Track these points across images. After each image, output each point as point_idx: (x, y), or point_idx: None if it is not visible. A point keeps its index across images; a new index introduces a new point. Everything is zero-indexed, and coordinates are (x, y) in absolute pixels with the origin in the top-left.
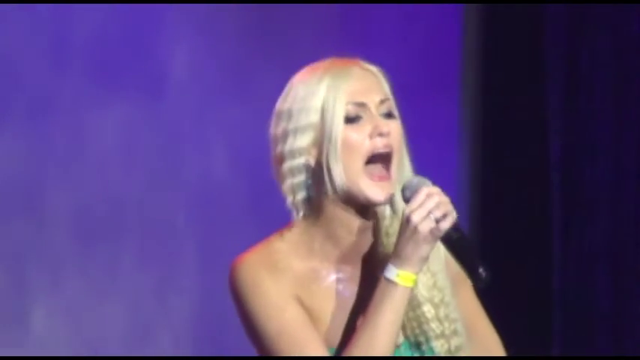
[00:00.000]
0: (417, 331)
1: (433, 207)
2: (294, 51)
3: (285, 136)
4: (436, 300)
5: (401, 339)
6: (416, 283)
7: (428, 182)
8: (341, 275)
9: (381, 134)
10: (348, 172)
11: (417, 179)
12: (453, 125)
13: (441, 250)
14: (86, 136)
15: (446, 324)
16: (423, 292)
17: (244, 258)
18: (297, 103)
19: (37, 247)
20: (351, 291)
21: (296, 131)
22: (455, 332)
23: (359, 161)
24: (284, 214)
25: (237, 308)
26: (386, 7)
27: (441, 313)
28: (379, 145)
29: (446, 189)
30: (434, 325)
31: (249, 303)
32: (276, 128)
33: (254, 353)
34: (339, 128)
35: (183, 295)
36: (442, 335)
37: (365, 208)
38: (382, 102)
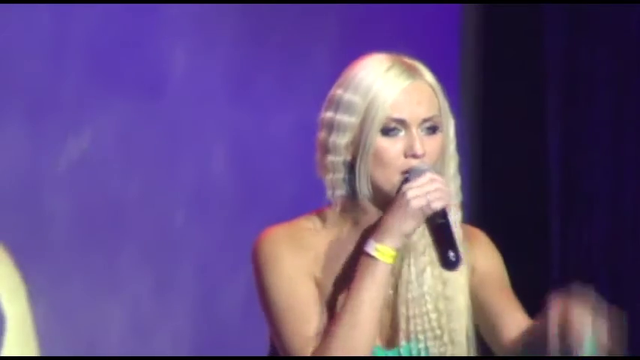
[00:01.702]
0: (419, 328)
1: (431, 190)
2: (293, 51)
3: (329, 126)
4: (441, 307)
5: (403, 343)
6: (395, 258)
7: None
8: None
9: (414, 156)
10: (379, 181)
11: (427, 167)
12: None
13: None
14: (85, 136)
15: (446, 331)
16: (432, 294)
17: (269, 231)
18: (346, 95)
19: (36, 246)
20: None
21: (339, 126)
22: (452, 342)
23: (392, 176)
24: (282, 214)
25: (255, 279)
26: (384, 7)
27: (443, 319)
28: (413, 164)
29: None
30: (435, 324)
31: (265, 275)
32: (325, 112)
33: (253, 353)
34: (373, 139)
35: (182, 295)
36: (439, 338)
37: None
38: (426, 120)
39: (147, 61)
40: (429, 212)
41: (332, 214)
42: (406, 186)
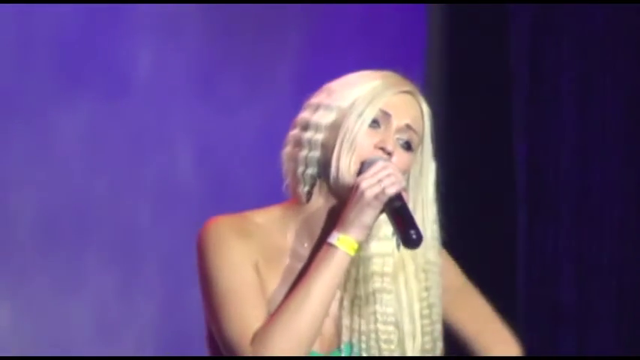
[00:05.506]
0: (364, 328)
1: (384, 176)
2: (259, 51)
3: (316, 107)
4: (423, 295)
5: (345, 340)
6: (356, 250)
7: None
8: (304, 261)
9: (383, 149)
10: (343, 165)
11: (379, 157)
12: None
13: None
14: (50, 136)
15: (425, 321)
16: (411, 286)
17: (217, 218)
18: (341, 86)
19: (1, 247)
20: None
21: (327, 107)
22: (428, 333)
23: (355, 162)
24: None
25: (199, 264)
26: (350, 7)
27: (424, 311)
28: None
29: None
30: (407, 320)
31: (209, 258)
32: (314, 98)
33: (216, 354)
34: (361, 128)
35: (147, 294)
36: (412, 335)
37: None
38: (408, 127)
39: (113, 59)
40: (385, 199)
41: (279, 209)
42: (359, 178)
